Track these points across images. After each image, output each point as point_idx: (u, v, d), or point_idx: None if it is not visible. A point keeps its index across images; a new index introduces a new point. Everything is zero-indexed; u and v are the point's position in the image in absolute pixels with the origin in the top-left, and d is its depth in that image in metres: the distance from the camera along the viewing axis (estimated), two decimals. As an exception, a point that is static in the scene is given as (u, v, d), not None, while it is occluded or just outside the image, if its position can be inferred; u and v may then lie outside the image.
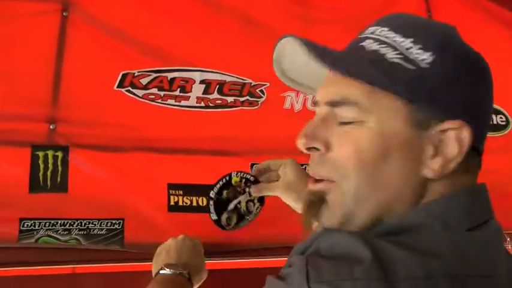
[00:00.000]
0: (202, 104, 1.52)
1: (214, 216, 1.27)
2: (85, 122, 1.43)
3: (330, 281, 0.58)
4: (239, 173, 1.30)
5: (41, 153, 1.38)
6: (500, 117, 1.77)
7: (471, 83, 0.69)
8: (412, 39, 0.69)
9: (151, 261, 1.29)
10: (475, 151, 0.69)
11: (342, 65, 0.71)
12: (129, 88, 1.46)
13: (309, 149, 0.74)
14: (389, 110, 0.68)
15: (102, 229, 1.39)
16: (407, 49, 0.69)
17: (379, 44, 0.71)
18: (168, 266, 1.17)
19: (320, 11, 1.68)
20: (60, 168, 1.38)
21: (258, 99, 1.57)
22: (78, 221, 1.37)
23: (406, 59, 0.68)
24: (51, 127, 1.40)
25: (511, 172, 1.75)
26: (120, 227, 1.40)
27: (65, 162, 1.39)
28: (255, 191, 1.27)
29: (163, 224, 1.43)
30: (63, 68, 1.43)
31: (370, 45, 0.71)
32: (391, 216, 0.68)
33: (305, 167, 1.44)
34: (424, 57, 0.68)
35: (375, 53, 0.70)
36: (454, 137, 0.66)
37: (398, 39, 0.70)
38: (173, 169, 1.48)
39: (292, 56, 0.80)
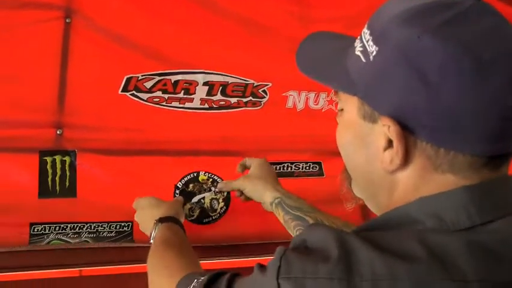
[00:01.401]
0: (206, 106, 1.54)
1: None
2: (91, 126, 1.46)
3: (297, 277, 0.60)
4: (207, 173, 1.47)
5: (48, 159, 1.40)
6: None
7: (411, 79, 0.61)
8: (369, 30, 0.67)
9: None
10: (461, 152, 0.63)
11: (304, 69, 0.78)
12: (134, 92, 1.48)
13: None
14: (350, 102, 0.71)
15: (111, 231, 1.41)
16: (367, 41, 0.67)
17: (359, 36, 0.71)
18: (162, 219, 1.27)
19: (319, 10, 1.69)
20: (68, 173, 1.40)
21: (261, 100, 1.59)
22: (88, 224, 1.40)
23: (365, 51, 0.67)
24: (58, 132, 1.42)
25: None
26: (129, 229, 1.43)
27: (72, 166, 1.41)
28: (220, 187, 1.44)
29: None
30: (68, 73, 1.44)
31: (361, 35, 0.71)
32: (389, 203, 0.70)
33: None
34: (373, 49, 0.65)
35: (352, 45, 0.72)
36: (384, 133, 0.65)
37: (365, 30, 0.69)
38: (179, 171, 1.50)
39: None
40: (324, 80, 0.76)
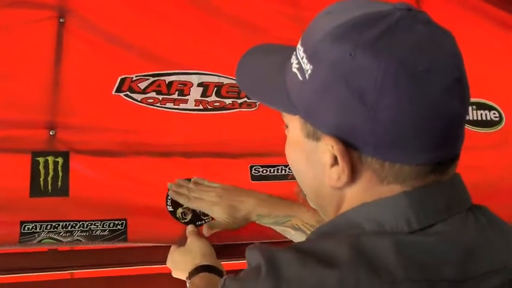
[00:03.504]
0: (201, 107, 1.53)
1: (170, 208, 1.44)
2: (85, 127, 1.44)
3: None
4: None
5: (41, 159, 1.38)
6: (494, 113, 1.78)
7: (348, 98, 0.60)
8: (303, 48, 0.66)
9: (152, 265, 1.39)
10: (407, 164, 0.62)
11: (244, 89, 0.80)
12: (128, 92, 1.47)
13: None
14: (294, 121, 0.70)
15: (104, 230, 1.39)
16: (301, 58, 0.65)
17: (295, 52, 0.70)
18: (203, 267, 1.21)
19: (314, 11, 1.69)
20: (60, 173, 1.39)
21: (256, 101, 1.58)
22: (80, 223, 1.36)
23: (300, 69, 0.66)
24: (51, 133, 1.40)
25: (506, 167, 1.77)
26: (122, 227, 1.41)
27: (65, 167, 1.39)
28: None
29: (166, 225, 1.44)
30: (61, 73, 1.44)
31: (296, 51, 0.70)
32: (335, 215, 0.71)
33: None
34: (307, 67, 0.64)
35: (288, 62, 0.71)
36: (329, 151, 0.64)
37: (299, 46, 0.67)
38: (173, 172, 1.49)
39: None
40: (264, 101, 0.76)
